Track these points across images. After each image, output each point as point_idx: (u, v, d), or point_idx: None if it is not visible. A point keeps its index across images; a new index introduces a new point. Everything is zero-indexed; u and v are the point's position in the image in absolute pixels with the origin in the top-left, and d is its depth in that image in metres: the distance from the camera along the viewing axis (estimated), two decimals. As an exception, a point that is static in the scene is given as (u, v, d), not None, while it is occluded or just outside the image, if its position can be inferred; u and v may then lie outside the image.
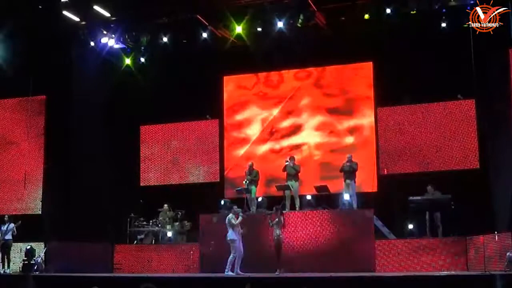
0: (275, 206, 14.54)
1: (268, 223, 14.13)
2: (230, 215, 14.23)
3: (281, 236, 13.86)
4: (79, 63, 18.19)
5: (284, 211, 15.52)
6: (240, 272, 13.84)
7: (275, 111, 19.07)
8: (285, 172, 16.15)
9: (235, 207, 14.79)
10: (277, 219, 13.89)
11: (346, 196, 15.72)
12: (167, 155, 19.80)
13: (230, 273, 13.82)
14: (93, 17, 17.57)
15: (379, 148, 17.80)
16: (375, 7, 16.26)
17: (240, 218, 14.10)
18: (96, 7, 17.19)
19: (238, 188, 16.72)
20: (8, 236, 16.59)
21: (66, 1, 16.93)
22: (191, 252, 16.11)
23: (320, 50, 17.93)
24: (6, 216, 16.92)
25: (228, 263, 13.97)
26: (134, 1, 17.26)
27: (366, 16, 16.30)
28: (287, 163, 16.15)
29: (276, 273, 13.59)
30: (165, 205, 17.92)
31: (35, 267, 16.14)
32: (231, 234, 14.06)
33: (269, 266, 13.88)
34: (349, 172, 15.79)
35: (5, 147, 19.33)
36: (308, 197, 16.50)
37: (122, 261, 16.78)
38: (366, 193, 16.82)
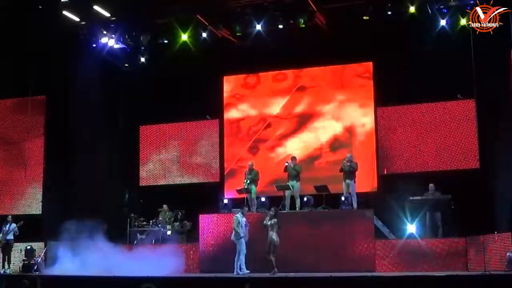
0: (273, 207, 14.53)
1: (262, 223, 14.02)
2: (238, 215, 14.20)
3: (276, 237, 13.79)
4: (79, 63, 18.18)
5: (284, 211, 15.56)
6: (240, 272, 13.82)
7: (275, 111, 19.06)
8: (286, 173, 16.18)
9: (245, 208, 14.81)
10: (274, 220, 13.83)
11: (343, 197, 15.75)
12: (167, 155, 19.80)
13: (240, 272, 13.80)
14: (93, 17, 17.57)
15: (379, 148, 17.80)
16: (374, 7, 16.26)
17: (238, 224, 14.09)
18: (96, 7, 17.18)
19: (238, 188, 16.75)
20: (10, 236, 16.59)
21: (66, 1, 16.93)
22: (191, 252, 16.10)
23: (320, 50, 17.93)
24: (9, 216, 16.93)
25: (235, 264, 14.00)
26: (134, 1, 17.26)
27: (366, 17, 16.30)
28: (287, 164, 16.17)
29: (271, 273, 13.57)
30: (165, 205, 17.92)
31: (35, 267, 16.16)
32: (234, 235, 14.06)
33: (269, 266, 13.86)
34: (349, 172, 15.80)
35: (5, 147, 19.35)
36: (305, 198, 16.47)
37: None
38: (366, 193, 16.82)
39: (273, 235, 13.77)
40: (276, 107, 19.07)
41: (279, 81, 19.24)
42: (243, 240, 13.98)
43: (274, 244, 13.76)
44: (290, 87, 19.06)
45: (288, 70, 19.12)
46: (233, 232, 14.14)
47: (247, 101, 19.48)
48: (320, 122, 18.60)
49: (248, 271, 13.69)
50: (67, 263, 15.55)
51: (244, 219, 14.23)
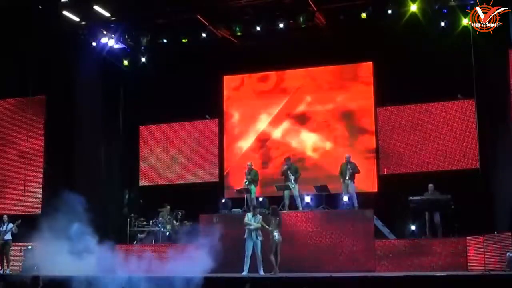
0: (271, 206, 14.53)
1: (267, 228, 14.04)
2: (248, 216, 14.20)
3: (279, 237, 13.79)
4: (79, 63, 18.17)
5: (283, 211, 15.55)
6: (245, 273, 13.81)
7: (275, 111, 19.03)
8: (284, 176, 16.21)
9: (257, 209, 14.82)
10: (275, 220, 13.85)
11: (345, 198, 15.74)
12: (166, 155, 19.79)
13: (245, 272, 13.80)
14: (93, 17, 17.55)
15: (379, 148, 17.80)
16: (374, 7, 16.26)
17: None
18: (96, 7, 17.16)
19: (238, 188, 16.75)
20: (8, 236, 16.58)
21: (66, 1, 16.91)
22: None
23: (320, 50, 17.92)
24: (5, 216, 16.91)
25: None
26: (134, 1, 17.26)
27: (363, 16, 16.29)
28: (284, 166, 16.16)
29: (272, 273, 13.57)
30: (166, 205, 17.91)
31: (35, 267, 16.14)
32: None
33: (269, 266, 13.87)
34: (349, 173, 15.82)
35: (5, 147, 19.35)
36: (307, 199, 16.45)
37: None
38: (366, 193, 16.81)
39: (275, 235, 13.77)
40: (275, 107, 19.04)
41: (280, 81, 19.22)
42: (249, 241, 13.95)
43: (276, 243, 13.76)
44: (289, 87, 19.04)
45: (288, 70, 19.10)
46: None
47: (248, 100, 19.45)
48: (320, 122, 18.59)
49: (248, 274, 13.67)
50: (67, 263, 15.53)
51: (255, 218, 14.10)
